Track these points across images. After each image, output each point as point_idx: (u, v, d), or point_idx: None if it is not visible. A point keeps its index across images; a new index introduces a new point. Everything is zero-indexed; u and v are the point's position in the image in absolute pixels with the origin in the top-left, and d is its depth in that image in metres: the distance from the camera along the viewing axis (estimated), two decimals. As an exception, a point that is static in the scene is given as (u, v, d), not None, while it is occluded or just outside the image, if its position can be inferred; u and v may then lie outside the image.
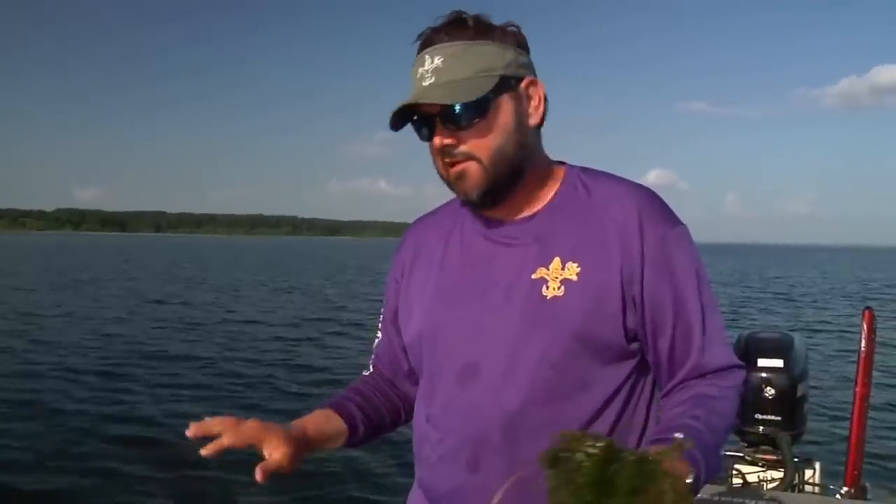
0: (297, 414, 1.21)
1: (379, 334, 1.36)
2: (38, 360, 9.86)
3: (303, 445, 1.12)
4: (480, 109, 1.08)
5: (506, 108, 1.11)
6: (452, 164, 1.11)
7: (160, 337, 12.35)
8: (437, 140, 1.10)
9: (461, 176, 1.11)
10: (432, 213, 1.34)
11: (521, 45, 1.14)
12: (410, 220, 1.36)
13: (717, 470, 1.02)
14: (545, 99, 1.15)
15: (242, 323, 14.63)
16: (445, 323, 1.17)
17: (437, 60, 1.08)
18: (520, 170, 1.13)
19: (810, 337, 13.18)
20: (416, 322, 1.22)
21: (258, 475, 1.02)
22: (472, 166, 1.10)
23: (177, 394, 8.14)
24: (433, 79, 1.08)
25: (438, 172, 1.16)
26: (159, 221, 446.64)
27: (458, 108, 1.08)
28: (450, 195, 1.23)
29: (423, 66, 1.10)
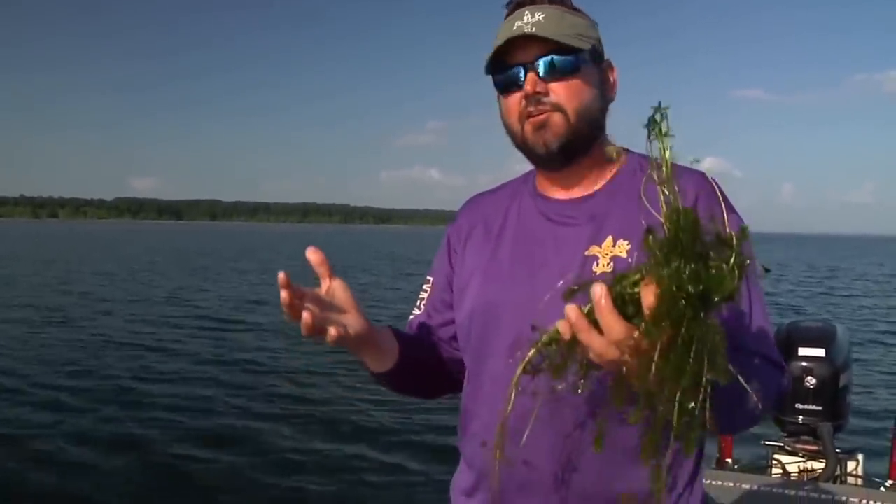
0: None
1: (415, 311, 1.34)
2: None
3: (368, 340, 1.09)
4: (576, 64, 1.11)
5: (594, 75, 1.15)
6: (534, 115, 1.12)
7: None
8: (528, 86, 1.10)
9: (544, 125, 1.12)
10: (490, 192, 1.33)
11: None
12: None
13: (740, 419, 1.01)
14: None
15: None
16: (499, 300, 1.16)
17: (539, 16, 1.09)
18: (596, 136, 1.16)
19: (858, 329, 12.81)
20: (470, 298, 1.22)
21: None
22: (556, 116, 1.11)
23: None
24: (534, 30, 1.08)
25: (510, 127, 1.16)
26: (214, 210, 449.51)
27: (555, 57, 1.09)
28: (504, 180, 1.24)
29: (521, 19, 1.10)
